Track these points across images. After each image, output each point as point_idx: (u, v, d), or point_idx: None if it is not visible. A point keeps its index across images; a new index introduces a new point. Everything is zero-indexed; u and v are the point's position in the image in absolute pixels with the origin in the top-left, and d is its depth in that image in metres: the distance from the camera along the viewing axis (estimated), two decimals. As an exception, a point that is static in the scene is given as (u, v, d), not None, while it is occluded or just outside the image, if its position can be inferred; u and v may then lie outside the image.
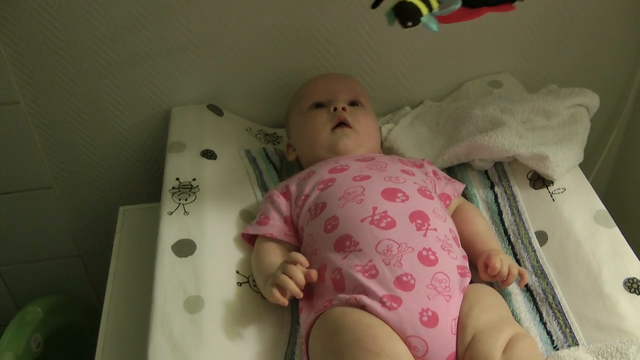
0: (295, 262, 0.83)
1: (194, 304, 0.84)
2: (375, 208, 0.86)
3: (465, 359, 0.75)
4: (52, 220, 1.36)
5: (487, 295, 0.84)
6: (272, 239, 0.93)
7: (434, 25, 0.78)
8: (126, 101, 1.21)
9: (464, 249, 0.91)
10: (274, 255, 0.90)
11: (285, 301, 0.81)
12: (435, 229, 0.85)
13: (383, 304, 0.76)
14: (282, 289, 0.81)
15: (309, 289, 0.86)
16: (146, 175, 1.32)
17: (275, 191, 0.98)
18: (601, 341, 0.82)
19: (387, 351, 0.72)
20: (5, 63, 1.13)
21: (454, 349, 0.75)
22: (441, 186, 1.01)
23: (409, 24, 0.77)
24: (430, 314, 0.76)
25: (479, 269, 0.89)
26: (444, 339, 0.75)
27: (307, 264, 0.83)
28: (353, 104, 1.08)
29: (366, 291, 0.78)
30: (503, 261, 0.87)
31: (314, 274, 0.82)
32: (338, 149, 1.03)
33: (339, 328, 0.74)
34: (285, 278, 0.81)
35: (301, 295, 0.81)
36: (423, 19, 0.77)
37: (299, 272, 0.81)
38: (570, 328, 0.85)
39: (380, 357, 0.71)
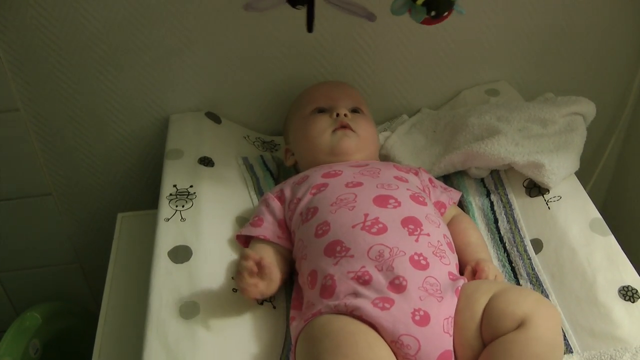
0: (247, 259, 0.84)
1: (189, 310, 0.85)
2: (366, 215, 0.86)
3: (482, 325, 0.76)
4: (51, 227, 1.37)
5: (487, 280, 0.86)
6: (265, 241, 0.93)
7: (462, 9, 0.84)
8: (125, 108, 1.22)
9: None
10: None
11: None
12: (428, 234, 0.85)
13: (375, 305, 0.77)
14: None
15: (300, 297, 0.87)
16: (144, 182, 1.32)
17: (271, 194, 0.99)
18: (595, 349, 0.82)
19: (366, 358, 0.71)
20: (5, 71, 1.14)
21: (445, 347, 0.76)
22: (436, 194, 1.01)
23: (446, 13, 0.82)
24: (422, 313, 0.76)
25: (466, 274, 0.89)
26: (436, 337, 0.76)
27: (256, 258, 0.84)
28: (354, 111, 1.09)
29: (358, 295, 0.79)
30: (492, 269, 0.88)
31: (262, 260, 0.83)
32: (339, 149, 1.02)
33: (322, 335, 0.75)
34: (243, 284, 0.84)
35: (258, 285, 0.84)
36: (455, 6, 0.83)
37: (248, 279, 0.84)
38: (565, 335, 0.85)
39: None
